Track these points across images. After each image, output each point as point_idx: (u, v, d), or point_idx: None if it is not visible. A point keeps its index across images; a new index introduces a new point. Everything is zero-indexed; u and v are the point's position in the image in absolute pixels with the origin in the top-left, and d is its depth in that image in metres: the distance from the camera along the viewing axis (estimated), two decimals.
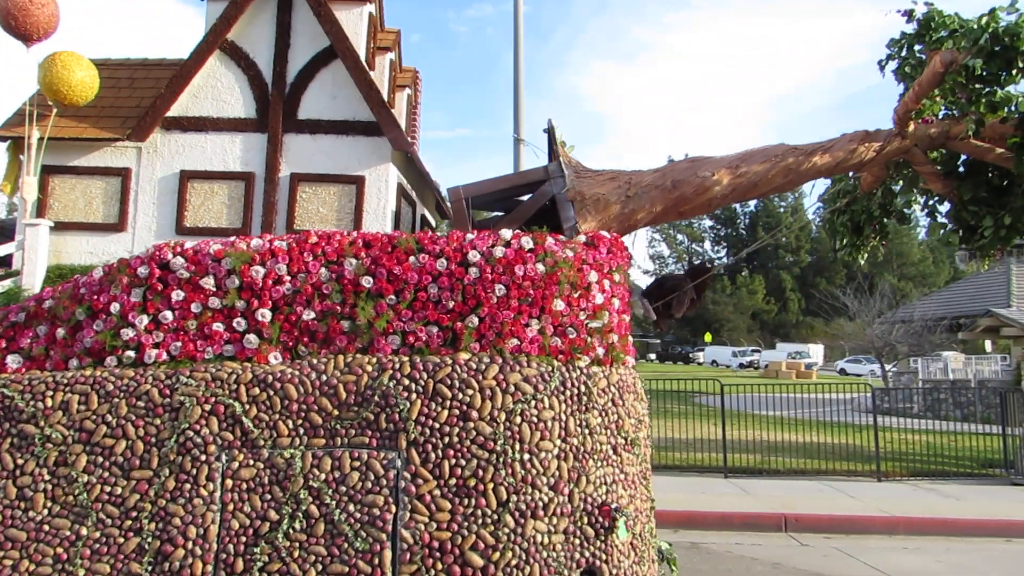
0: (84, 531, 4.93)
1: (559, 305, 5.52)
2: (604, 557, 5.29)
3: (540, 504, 5.12)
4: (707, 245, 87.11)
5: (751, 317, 75.57)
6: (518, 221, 6.23)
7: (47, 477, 5.03)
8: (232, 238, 5.67)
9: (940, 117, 6.78)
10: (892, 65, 7.04)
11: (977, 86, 6.26)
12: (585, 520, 5.25)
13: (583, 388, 5.43)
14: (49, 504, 4.98)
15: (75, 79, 6.19)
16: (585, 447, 5.35)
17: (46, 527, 4.94)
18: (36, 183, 6.27)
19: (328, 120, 6.58)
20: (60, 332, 5.40)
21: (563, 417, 5.31)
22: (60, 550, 4.89)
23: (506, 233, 5.64)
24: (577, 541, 5.20)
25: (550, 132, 6.51)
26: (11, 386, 5.21)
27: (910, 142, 6.52)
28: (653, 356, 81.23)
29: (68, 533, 4.93)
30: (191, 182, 6.55)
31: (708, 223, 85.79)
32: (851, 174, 7.47)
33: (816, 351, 62.34)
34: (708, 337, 72.03)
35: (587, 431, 5.38)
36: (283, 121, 6.69)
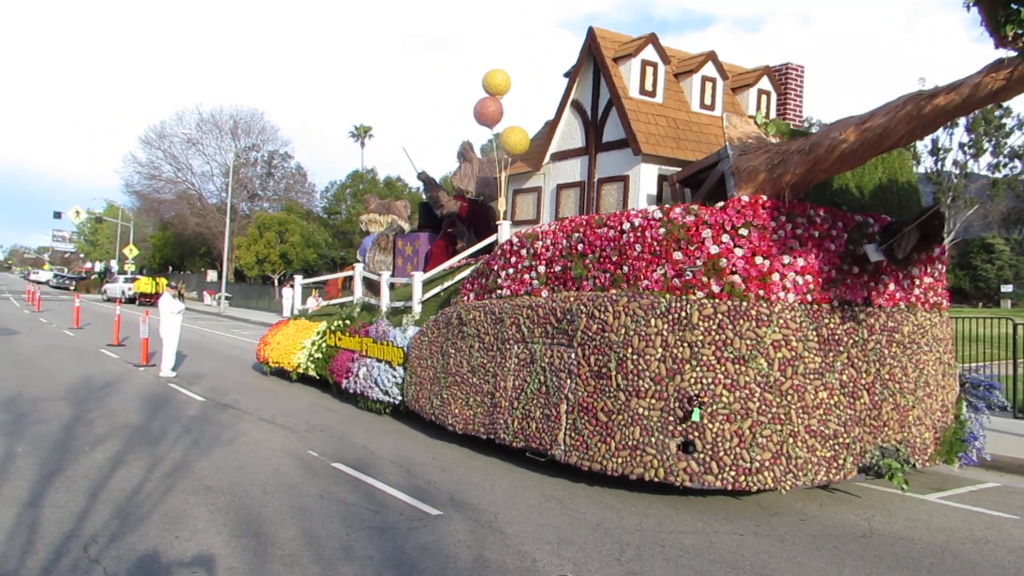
0: (473, 379, 9.90)
1: (678, 256, 7.79)
2: (697, 435, 7.50)
3: (642, 389, 7.71)
4: None
5: None
6: (703, 195, 8.23)
7: (465, 351, 10.17)
8: (543, 222, 9.79)
9: None
10: None
11: None
12: (677, 405, 7.56)
13: (683, 314, 7.62)
14: (466, 364, 10.12)
15: (511, 141, 11.11)
16: (682, 355, 7.59)
17: (465, 375, 10.09)
18: (506, 201, 11.49)
19: (614, 140, 9.58)
20: (480, 282, 10.46)
21: (664, 333, 7.68)
22: (467, 388, 9.98)
23: (650, 208, 8.13)
24: (671, 419, 7.58)
25: (722, 122, 8.19)
26: (461, 309, 10.54)
27: None
28: None
29: (469, 380, 9.97)
30: (561, 191, 10.58)
31: None
32: None
33: None
34: None
35: (685, 344, 7.58)
36: (595, 145, 10.18)
